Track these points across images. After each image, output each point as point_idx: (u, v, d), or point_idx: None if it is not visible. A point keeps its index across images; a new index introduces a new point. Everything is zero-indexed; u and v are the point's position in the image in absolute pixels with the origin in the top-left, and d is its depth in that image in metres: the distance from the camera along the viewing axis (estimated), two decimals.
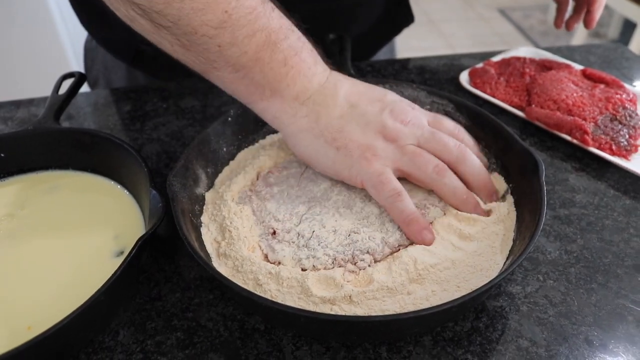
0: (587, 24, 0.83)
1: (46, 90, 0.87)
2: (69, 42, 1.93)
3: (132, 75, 0.93)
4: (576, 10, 0.86)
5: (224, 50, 0.50)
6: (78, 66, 1.97)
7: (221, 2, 0.48)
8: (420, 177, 0.53)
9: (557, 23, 0.88)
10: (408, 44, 1.10)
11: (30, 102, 0.83)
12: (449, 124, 0.58)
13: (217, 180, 0.60)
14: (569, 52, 0.95)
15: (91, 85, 1.01)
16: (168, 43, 0.51)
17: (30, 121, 0.78)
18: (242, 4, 0.49)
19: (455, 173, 0.55)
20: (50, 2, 1.83)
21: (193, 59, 0.52)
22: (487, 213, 0.55)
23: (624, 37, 3.19)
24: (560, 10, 0.87)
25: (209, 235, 0.54)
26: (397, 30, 1.00)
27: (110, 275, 0.44)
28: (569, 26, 0.86)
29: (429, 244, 0.50)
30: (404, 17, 0.97)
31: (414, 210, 0.51)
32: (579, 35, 2.88)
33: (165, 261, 0.55)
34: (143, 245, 0.46)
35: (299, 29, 0.55)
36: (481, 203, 0.56)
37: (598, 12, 0.82)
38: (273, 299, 0.47)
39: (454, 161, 0.54)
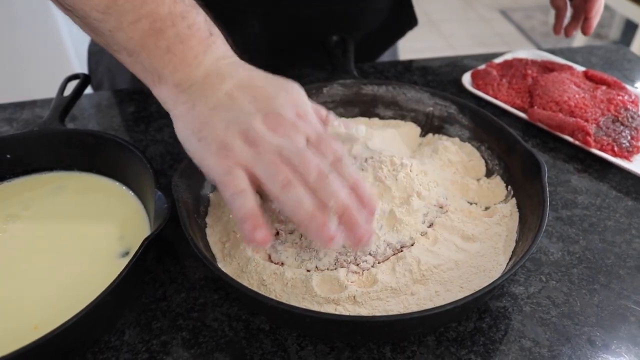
0: (584, 31, 0.84)
1: (48, 92, 0.88)
2: (71, 44, 1.94)
3: (137, 78, 0.93)
4: (574, 17, 0.86)
5: (113, 34, 0.51)
6: (81, 68, 1.98)
7: None
8: (268, 187, 0.48)
9: (556, 29, 0.89)
10: (408, 45, 1.10)
11: (33, 103, 0.83)
12: (328, 147, 0.51)
13: None
14: (571, 53, 0.95)
15: (95, 88, 1.02)
16: (80, 27, 0.53)
17: (34, 122, 0.78)
18: None
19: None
20: (53, 5, 1.84)
21: (99, 41, 0.53)
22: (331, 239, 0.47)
23: (625, 38, 3.19)
24: (558, 16, 0.88)
25: (213, 236, 0.54)
26: (401, 33, 1.01)
27: (117, 275, 0.44)
28: (567, 32, 0.87)
29: (262, 243, 0.46)
30: (408, 20, 0.98)
31: (251, 208, 0.47)
32: (581, 37, 2.88)
33: (171, 262, 0.56)
34: (149, 245, 0.47)
35: (205, 15, 0.54)
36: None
37: (595, 19, 0.83)
38: (278, 299, 0.47)
39: (312, 182, 0.48)
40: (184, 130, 0.52)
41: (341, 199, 0.47)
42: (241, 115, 0.50)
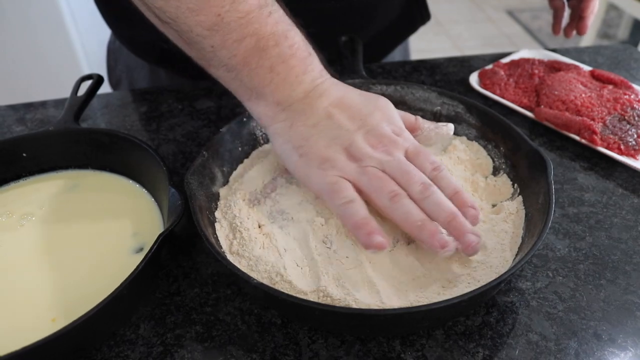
0: (579, 30, 0.86)
1: (57, 93, 0.89)
2: (80, 46, 1.95)
3: (155, 75, 0.95)
4: (572, 17, 0.88)
5: (216, 51, 0.52)
6: (90, 69, 1.99)
7: (214, 4, 0.50)
8: (375, 200, 0.51)
9: (555, 29, 0.90)
10: (416, 45, 1.11)
11: (43, 104, 0.84)
12: (426, 159, 0.53)
13: (231, 177, 0.62)
14: (578, 53, 0.96)
15: (113, 86, 1.03)
16: (173, 38, 0.54)
17: (49, 122, 0.80)
18: (236, 8, 0.50)
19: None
20: (62, 5, 1.85)
21: (195, 55, 0.55)
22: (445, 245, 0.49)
23: (633, 37, 3.18)
24: (557, 17, 0.90)
25: (222, 231, 0.55)
26: (414, 28, 1.01)
27: (131, 271, 0.45)
28: (567, 34, 0.89)
29: (379, 248, 0.47)
30: (421, 15, 0.99)
31: (365, 216, 0.49)
32: (588, 36, 2.88)
33: (183, 257, 0.57)
34: (163, 241, 0.48)
35: (301, 34, 0.56)
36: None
37: (590, 19, 0.85)
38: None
39: (416, 194, 0.50)
40: (283, 146, 0.55)
41: (446, 209, 0.49)
42: (342, 132, 0.53)
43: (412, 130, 0.58)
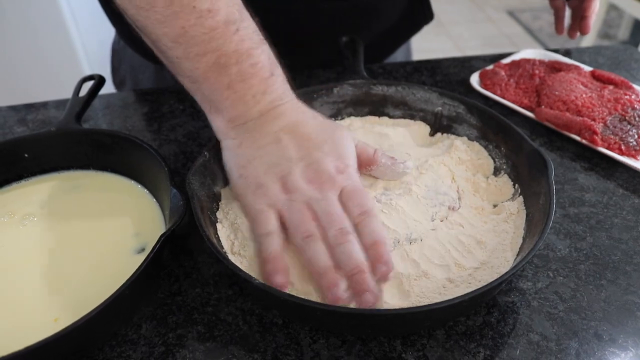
0: (582, 30, 0.87)
1: (57, 93, 0.89)
2: (81, 46, 1.95)
3: (160, 75, 0.95)
4: (574, 18, 0.89)
5: (180, 62, 0.54)
6: (90, 69, 2.00)
7: (181, 17, 0.51)
8: (291, 236, 0.51)
9: (558, 29, 0.91)
10: (417, 46, 1.12)
11: (44, 105, 0.85)
12: (356, 203, 0.51)
13: None
14: (578, 53, 0.96)
15: (117, 85, 1.03)
16: (149, 44, 0.56)
17: (50, 123, 0.80)
18: (201, 23, 0.51)
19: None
20: (63, 5, 1.86)
21: (165, 63, 0.56)
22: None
23: (634, 38, 3.19)
24: (558, 17, 0.90)
25: (223, 231, 0.55)
26: (417, 28, 1.01)
27: (133, 271, 0.45)
28: (571, 35, 0.90)
29: (277, 287, 0.47)
30: (424, 15, 0.99)
31: (274, 252, 0.49)
32: (589, 37, 2.88)
33: (185, 258, 0.57)
34: (165, 241, 0.48)
35: (269, 52, 0.56)
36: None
37: (592, 18, 0.85)
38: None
39: (331, 238, 0.49)
40: (229, 162, 0.56)
41: (353, 261, 0.47)
42: (283, 161, 0.54)
43: (368, 164, 0.58)
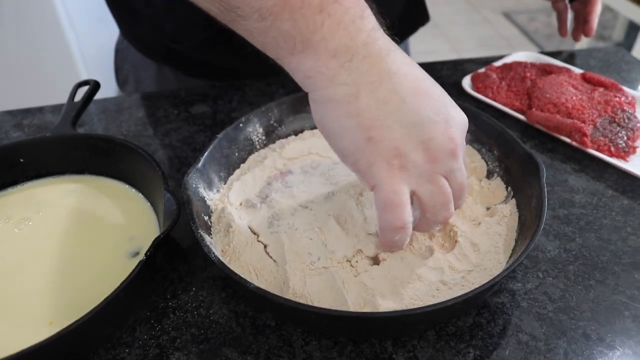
0: (585, 33, 0.88)
1: (53, 98, 0.90)
2: (77, 51, 1.96)
3: (162, 74, 0.95)
4: (576, 20, 0.90)
5: None
6: (87, 74, 2.00)
7: None
8: (427, 215, 0.47)
9: (562, 31, 0.93)
10: (413, 47, 1.13)
11: (40, 109, 0.85)
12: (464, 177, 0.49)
13: (228, 182, 0.63)
14: (570, 56, 0.97)
15: (120, 85, 1.04)
16: None
17: (46, 128, 0.81)
18: None
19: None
20: (59, 10, 1.86)
21: (217, 6, 0.44)
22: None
23: (628, 39, 3.20)
24: (561, 19, 0.92)
25: (218, 235, 0.56)
26: (413, 29, 1.02)
27: (128, 274, 0.46)
28: (575, 38, 0.91)
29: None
30: (420, 17, 1.00)
31: (405, 240, 0.48)
32: (583, 39, 2.89)
33: (179, 261, 0.57)
34: (159, 245, 0.48)
35: None
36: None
37: (595, 21, 0.86)
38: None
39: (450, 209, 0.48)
40: (343, 121, 0.44)
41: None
42: (421, 120, 0.44)
43: None
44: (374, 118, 0.43)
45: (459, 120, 0.47)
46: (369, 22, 0.44)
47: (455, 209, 0.49)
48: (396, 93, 0.43)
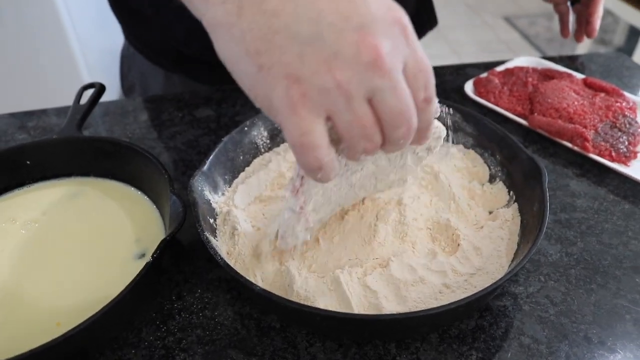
0: (588, 34, 0.89)
1: (55, 100, 0.90)
2: (80, 54, 1.96)
3: (170, 81, 0.95)
4: (579, 22, 0.91)
5: None
6: (90, 77, 2.01)
7: None
8: (343, 138, 0.38)
9: (564, 33, 0.94)
10: None
11: (44, 112, 0.86)
12: (422, 90, 0.39)
13: (232, 185, 0.63)
14: (571, 61, 0.97)
15: (126, 92, 1.04)
16: None
17: (51, 130, 0.81)
18: None
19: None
20: (62, 14, 1.87)
21: None
22: None
23: (629, 43, 3.20)
24: (563, 21, 0.93)
25: (223, 237, 0.57)
26: (421, 33, 1.02)
27: (134, 276, 0.46)
28: (578, 39, 0.92)
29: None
30: (428, 20, 1.00)
31: (329, 177, 0.39)
32: (584, 43, 2.89)
33: (185, 263, 0.58)
34: (165, 247, 0.49)
35: None
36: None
37: (597, 22, 0.87)
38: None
39: (391, 139, 0.39)
40: (231, 47, 0.37)
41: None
42: (323, 30, 0.35)
43: None
44: (261, 38, 0.35)
45: (371, 11, 0.35)
46: None
47: (400, 140, 0.39)
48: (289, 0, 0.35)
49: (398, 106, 0.37)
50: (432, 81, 0.39)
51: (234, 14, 0.36)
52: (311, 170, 0.38)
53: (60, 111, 0.86)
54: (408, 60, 0.37)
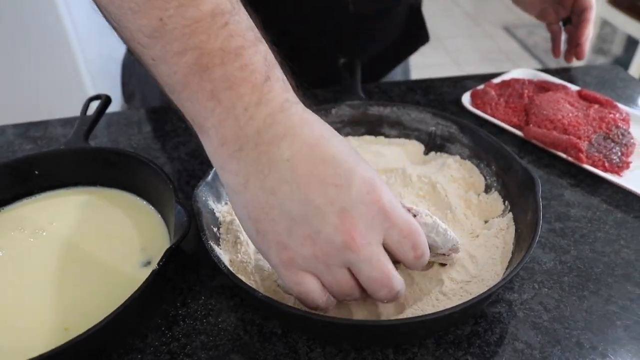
0: (577, 56, 0.92)
1: (60, 111, 0.92)
2: (84, 65, 1.98)
3: None
4: (570, 43, 0.93)
5: (157, 66, 0.43)
6: (94, 89, 2.02)
7: (157, 6, 0.40)
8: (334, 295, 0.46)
9: (555, 53, 0.96)
10: (414, 61, 1.16)
11: (51, 123, 0.88)
12: (410, 250, 0.45)
13: None
14: (567, 73, 0.99)
15: (126, 99, 1.05)
16: (129, 48, 0.46)
17: (57, 141, 0.83)
18: (183, 13, 0.41)
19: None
20: (66, 23, 1.89)
21: (148, 71, 0.45)
22: None
23: (627, 53, 3.23)
24: (555, 41, 0.95)
25: (226, 246, 0.58)
26: (413, 49, 1.05)
27: (140, 283, 0.48)
28: (567, 60, 0.95)
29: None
30: (420, 37, 1.02)
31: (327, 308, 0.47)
32: None
33: (189, 271, 0.60)
34: (171, 255, 0.51)
35: (267, 52, 0.44)
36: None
37: (586, 45, 0.90)
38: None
39: (377, 299, 0.46)
40: (239, 209, 0.45)
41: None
42: (308, 211, 0.41)
43: None
44: (260, 209, 0.43)
45: (353, 194, 0.41)
46: (267, 106, 0.42)
47: (384, 299, 0.45)
48: (286, 182, 0.42)
49: (374, 274, 0.43)
50: (421, 240, 0.45)
51: (242, 185, 0.43)
52: (312, 308, 0.46)
53: (65, 122, 0.88)
54: (389, 232, 0.43)
